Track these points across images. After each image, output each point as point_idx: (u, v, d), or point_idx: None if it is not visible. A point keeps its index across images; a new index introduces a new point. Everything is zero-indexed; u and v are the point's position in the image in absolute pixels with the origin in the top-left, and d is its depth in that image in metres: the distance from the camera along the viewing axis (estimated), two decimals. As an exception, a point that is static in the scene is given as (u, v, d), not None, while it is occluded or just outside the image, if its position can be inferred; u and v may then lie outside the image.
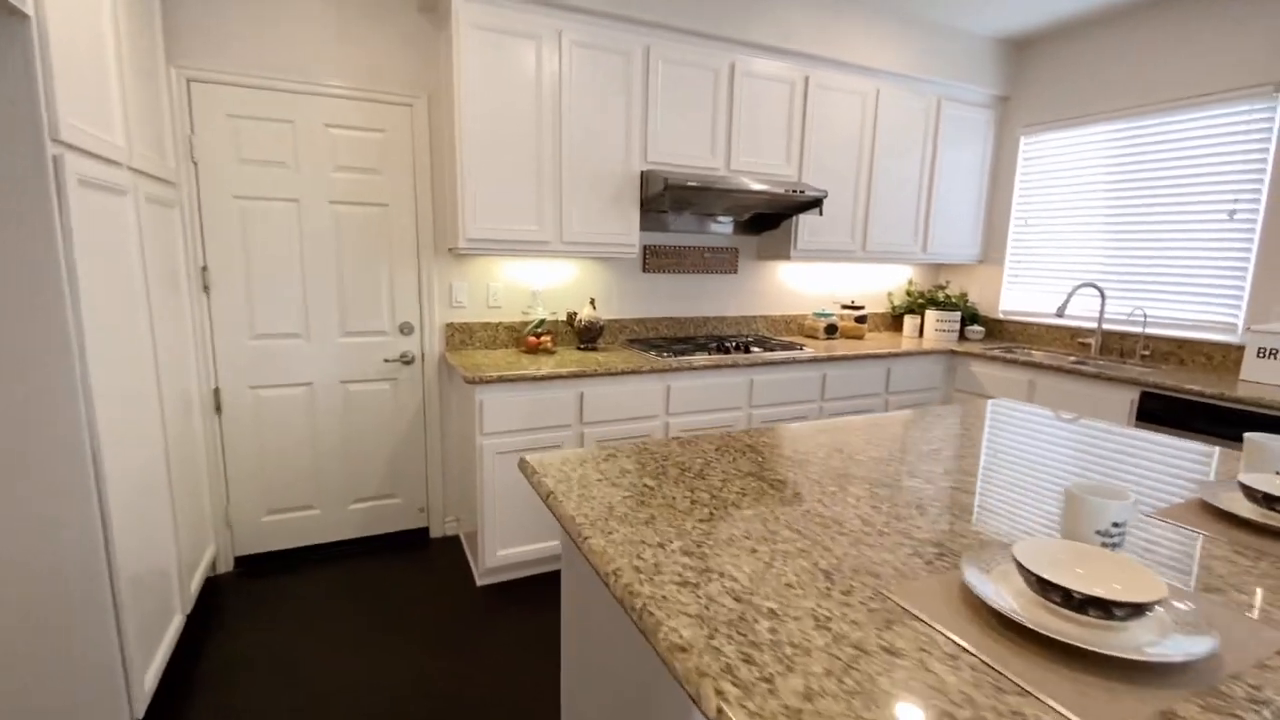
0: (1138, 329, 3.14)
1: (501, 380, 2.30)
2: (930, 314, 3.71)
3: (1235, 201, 2.79)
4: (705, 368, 2.72)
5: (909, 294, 3.96)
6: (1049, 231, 3.55)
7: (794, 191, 2.87)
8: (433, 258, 2.75)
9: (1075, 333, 3.42)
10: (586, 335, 2.90)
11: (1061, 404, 2.90)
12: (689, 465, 1.34)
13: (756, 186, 2.79)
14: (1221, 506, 1.11)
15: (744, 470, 1.32)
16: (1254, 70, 2.69)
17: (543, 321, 2.85)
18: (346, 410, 2.71)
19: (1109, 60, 3.20)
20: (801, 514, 1.09)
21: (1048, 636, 0.72)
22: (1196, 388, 2.45)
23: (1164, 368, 2.89)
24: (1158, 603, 0.70)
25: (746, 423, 2.89)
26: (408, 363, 2.77)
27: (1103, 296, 3.21)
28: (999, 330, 3.82)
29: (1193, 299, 2.95)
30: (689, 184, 2.63)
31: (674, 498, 1.15)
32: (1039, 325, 3.60)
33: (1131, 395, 2.66)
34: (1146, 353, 3.09)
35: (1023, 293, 3.72)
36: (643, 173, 2.77)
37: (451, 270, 2.79)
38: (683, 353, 2.79)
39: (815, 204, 2.99)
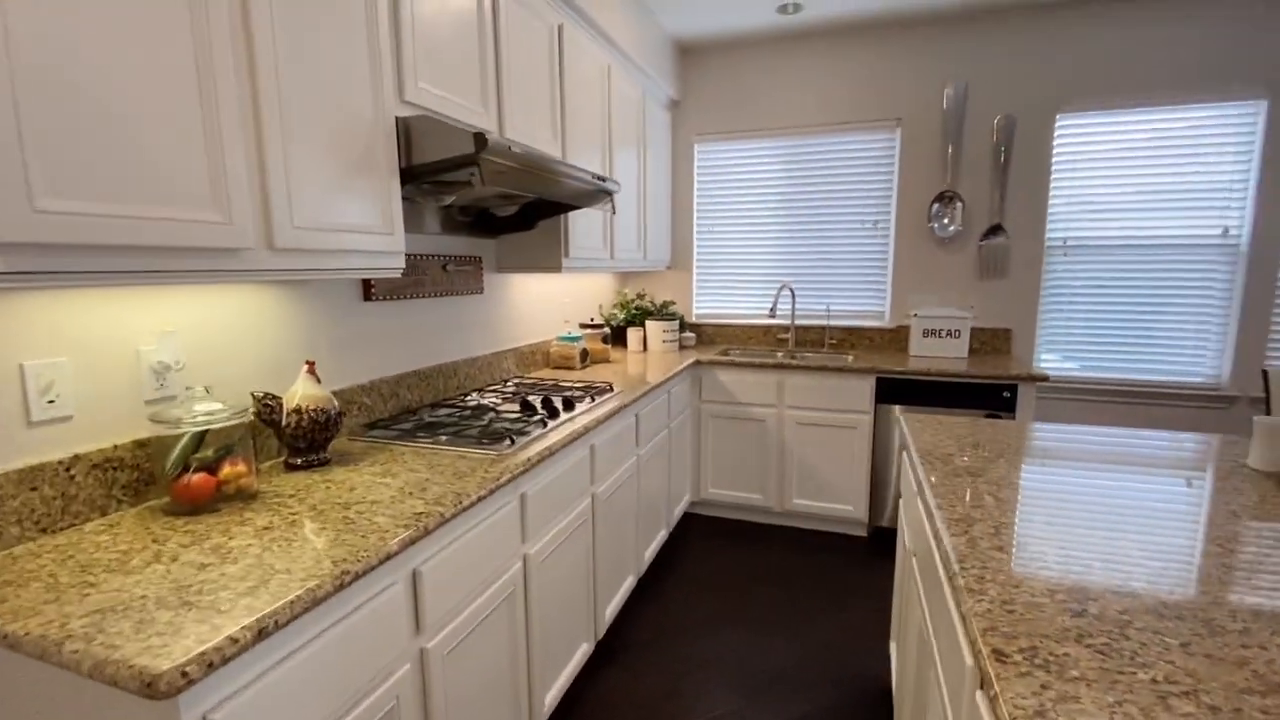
0: (822, 322, 3.60)
1: (223, 658, 0.82)
2: (652, 325, 3.44)
3: (877, 213, 3.43)
4: (563, 447, 1.71)
5: (624, 305, 3.60)
6: (731, 237, 3.74)
7: (599, 179, 2.08)
8: None
9: (768, 330, 3.72)
10: (311, 439, 1.44)
11: (813, 398, 3.05)
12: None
13: (579, 168, 1.88)
14: None
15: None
16: (883, 106, 3.33)
17: (204, 435, 1.24)
18: None
19: (771, 80, 3.50)
20: None
21: None
22: (923, 368, 2.89)
23: (853, 353, 3.38)
24: None
25: (590, 515, 1.99)
26: None
27: (793, 296, 3.56)
28: (699, 335, 3.86)
29: (856, 294, 3.54)
30: (518, 153, 1.54)
31: None
32: (735, 327, 3.78)
33: (870, 382, 2.98)
34: (834, 341, 3.58)
35: (712, 297, 3.85)
36: (401, 121, 1.49)
37: None
38: (488, 435, 1.68)
39: (606, 198, 2.26)
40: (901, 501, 1.88)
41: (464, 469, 1.44)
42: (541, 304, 2.90)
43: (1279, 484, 1.32)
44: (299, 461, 1.44)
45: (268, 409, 1.40)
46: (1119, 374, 3.19)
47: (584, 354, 2.88)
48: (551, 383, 2.43)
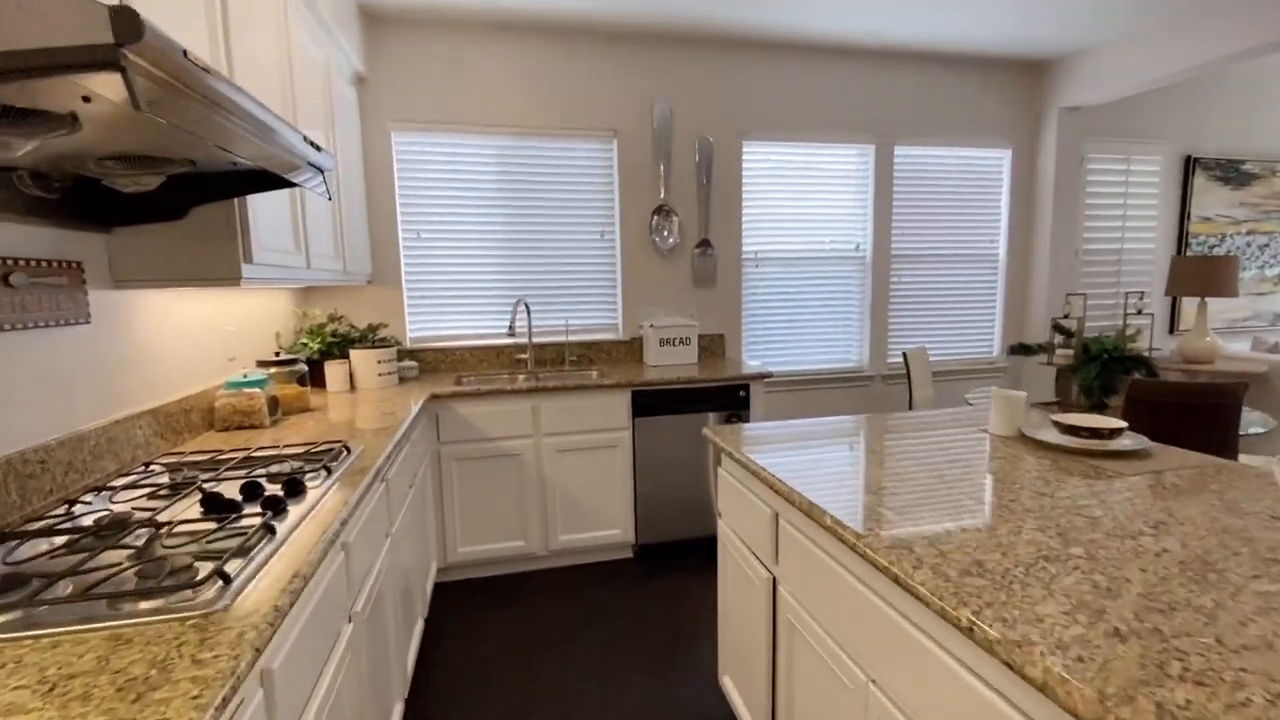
0: (560, 338, 3.34)
1: None
2: (362, 355, 2.70)
3: (602, 224, 3.34)
4: (319, 563, 1.04)
5: (314, 331, 2.72)
6: (447, 246, 3.20)
7: (312, 144, 1.41)
8: None
9: (500, 350, 3.29)
10: None
11: (571, 421, 2.77)
12: None
13: (281, 119, 1.20)
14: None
15: None
16: (599, 116, 3.24)
17: None
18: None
19: (481, 70, 3.09)
20: None
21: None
22: (671, 377, 2.87)
23: (595, 368, 3.22)
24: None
25: (351, 647, 1.31)
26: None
27: (529, 312, 3.21)
28: (420, 363, 3.19)
29: (590, 307, 3.39)
30: (195, 64, 0.85)
31: None
32: (462, 350, 3.24)
33: (626, 397, 2.84)
34: (574, 358, 3.34)
35: (429, 316, 3.23)
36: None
37: None
38: (157, 577, 0.95)
39: (316, 175, 1.57)
40: (725, 523, 1.72)
41: (135, 665, 0.71)
42: (193, 337, 1.94)
43: (1023, 443, 1.56)
44: None
45: None
46: (801, 365, 3.75)
47: (273, 403, 2.02)
48: (239, 453, 1.59)
